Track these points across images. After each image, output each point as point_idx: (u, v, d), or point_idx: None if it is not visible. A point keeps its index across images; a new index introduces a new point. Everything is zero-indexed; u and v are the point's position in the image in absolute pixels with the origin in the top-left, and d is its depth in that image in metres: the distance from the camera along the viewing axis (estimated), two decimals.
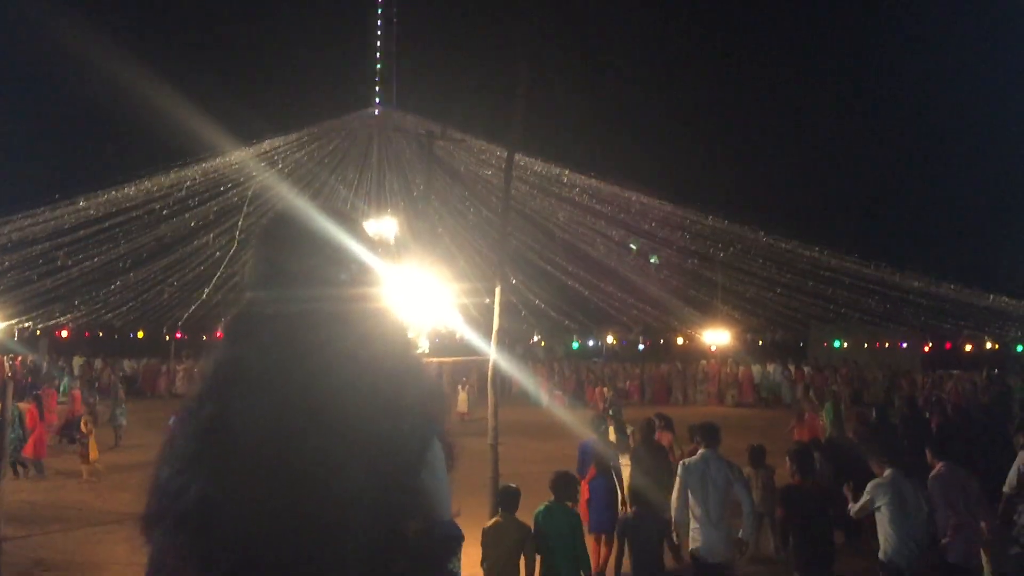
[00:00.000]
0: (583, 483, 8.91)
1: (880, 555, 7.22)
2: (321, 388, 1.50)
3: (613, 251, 36.15)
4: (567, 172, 32.80)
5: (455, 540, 1.68)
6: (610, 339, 52.78)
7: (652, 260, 36.95)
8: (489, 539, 6.77)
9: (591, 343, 57.87)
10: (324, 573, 1.45)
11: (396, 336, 1.69)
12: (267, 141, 36.44)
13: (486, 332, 12.57)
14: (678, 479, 7.42)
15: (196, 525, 1.44)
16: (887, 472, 7.43)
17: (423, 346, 16.77)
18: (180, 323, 40.42)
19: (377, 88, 34.81)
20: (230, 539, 1.43)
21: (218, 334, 1.71)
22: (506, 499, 7.06)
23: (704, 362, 34.85)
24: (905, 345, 44.24)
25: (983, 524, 7.55)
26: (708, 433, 7.66)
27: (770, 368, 33.60)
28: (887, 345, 45.58)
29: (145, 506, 1.52)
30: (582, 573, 7.02)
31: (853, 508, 7.58)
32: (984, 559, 7.86)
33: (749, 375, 32.72)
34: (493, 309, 11.97)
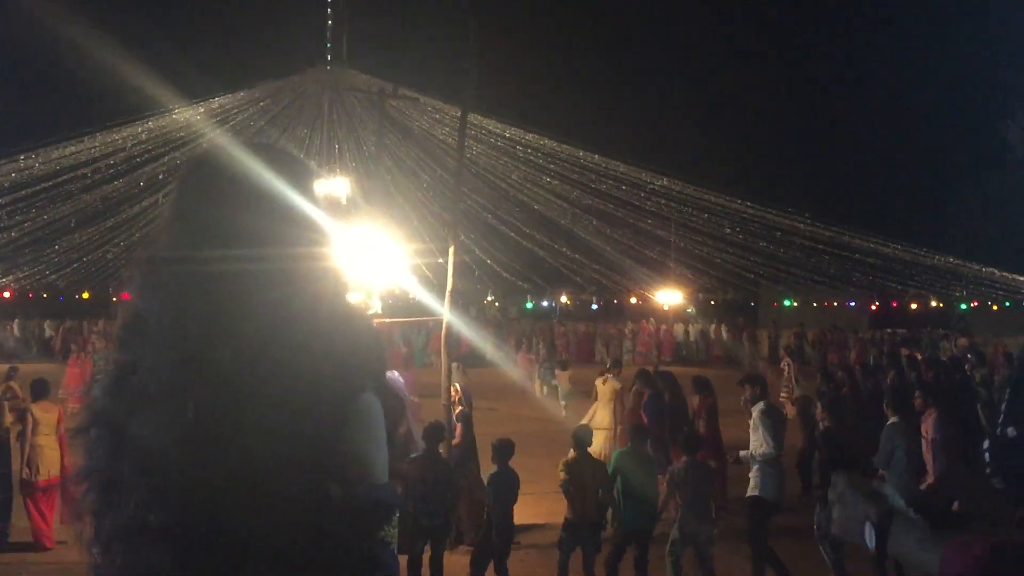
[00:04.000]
0: None
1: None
2: (234, 343, 1.42)
3: (567, 212, 36.13)
4: (521, 132, 32.59)
5: (387, 507, 1.59)
6: (564, 299, 53.03)
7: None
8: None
9: (544, 303, 58.11)
10: (246, 536, 1.38)
11: (324, 291, 1.58)
12: (216, 99, 35.66)
13: (440, 293, 12.51)
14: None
15: (112, 488, 1.39)
16: (894, 419, 8.03)
17: (375, 307, 16.60)
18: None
19: (328, 45, 34.18)
20: (146, 500, 1.36)
21: (125, 293, 1.61)
22: (502, 451, 7.40)
23: (631, 323, 35.82)
24: (853, 304, 45.12)
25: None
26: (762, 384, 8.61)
27: (691, 328, 34.89)
28: (835, 304, 46.41)
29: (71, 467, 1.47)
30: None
31: (879, 457, 7.95)
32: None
33: (671, 334, 33.91)
34: (447, 269, 11.93)
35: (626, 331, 34.50)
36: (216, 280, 1.47)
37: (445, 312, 11.67)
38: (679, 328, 34.56)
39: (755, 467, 7.87)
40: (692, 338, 34.32)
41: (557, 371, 19.53)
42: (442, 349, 12.00)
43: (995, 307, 42.73)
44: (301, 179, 1.63)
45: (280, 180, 1.57)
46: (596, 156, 33.29)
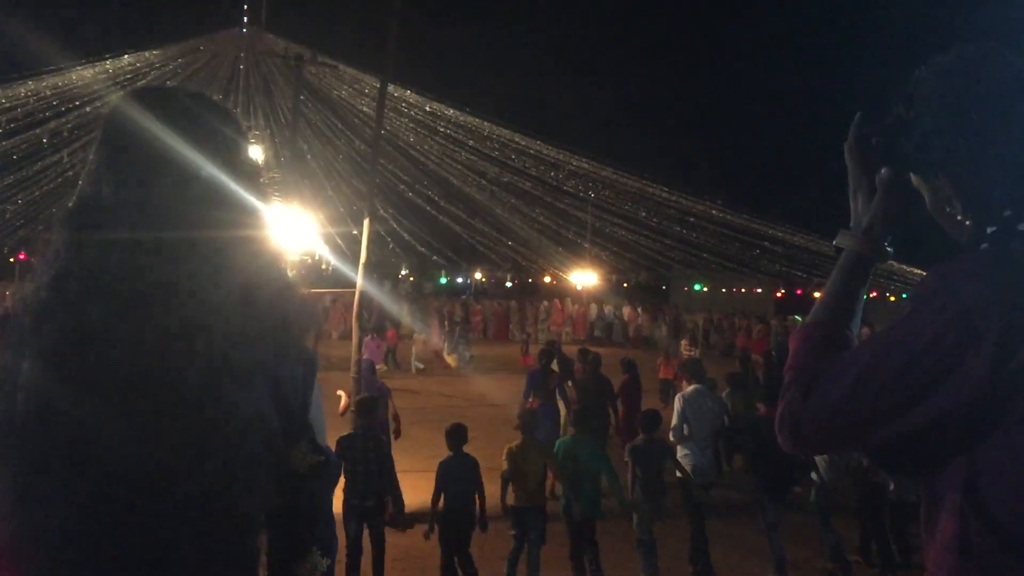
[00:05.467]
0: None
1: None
2: (176, 306, 1.40)
3: (485, 188, 36.11)
4: (441, 106, 32.36)
5: (339, 467, 1.61)
6: (479, 275, 53.14)
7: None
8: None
9: (459, 279, 58.12)
10: (209, 497, 1.38)
11: (271, 256, 1.60)
12: (125, 56, 34.34)
13: (354, 264, 12.41)
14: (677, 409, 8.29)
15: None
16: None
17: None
18: (25, 243, 38.03)
19: (245, 6, 33.19)
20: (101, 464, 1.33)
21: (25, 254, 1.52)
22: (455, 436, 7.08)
23: (545, 302, 36.21)
24: (759, 290, 46.40)
25: None
26: (698, 370, 8.82)
27: (606, 308, 35.51)
28: (743, 291, 47.64)
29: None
30: None
31: None
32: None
33: (584, 313, 34.56)
34: (361, 240, 11.83)
35: (540, 310, 34.80)
36: (182, 251, 1.45)
37: (359, 283, 11.60)
38: (592, 308, 35.15)
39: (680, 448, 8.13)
40: (606, 319, 34.84)
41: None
42: (353, 322, 11.93)
43: (892, 298, 44.52)
44: (232, 139, 1.58)
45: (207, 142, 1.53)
46: (516, 135, 33.30)
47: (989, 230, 1.38)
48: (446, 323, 24.86)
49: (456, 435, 7.02)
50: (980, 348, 1.24)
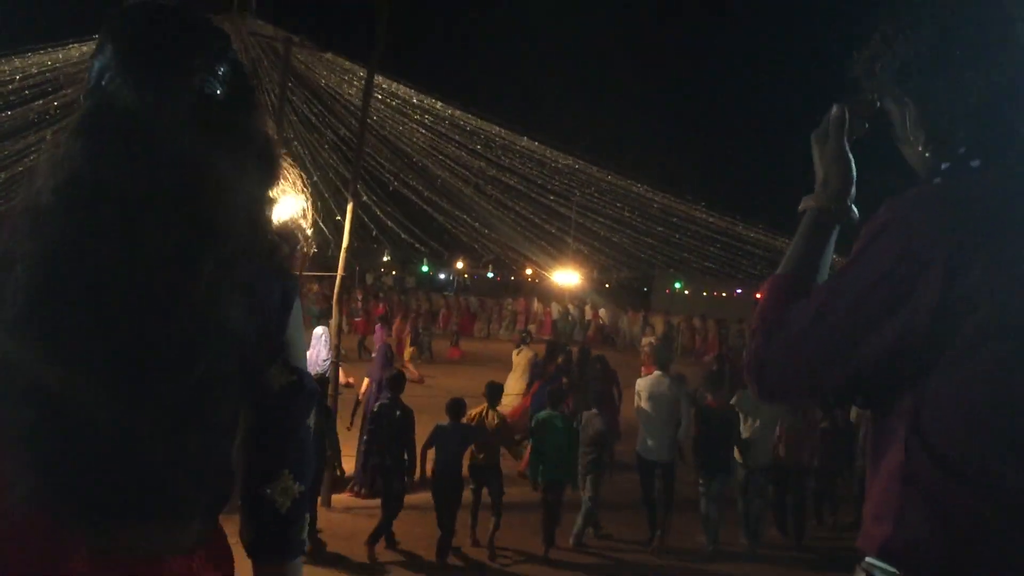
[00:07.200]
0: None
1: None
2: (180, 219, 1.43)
3: (471, 181, 36.01)
4: (427, 97, 32.20)
5: (315, 393, 1.63)
6: (460, 265, 53.09)
7: None
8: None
9: (441, 276, 57.97)
10: (186, 404, 1.41)
11: (274, 182, 1.64)
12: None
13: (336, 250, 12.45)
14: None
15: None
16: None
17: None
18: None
19: None
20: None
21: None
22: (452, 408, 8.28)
23: (510, 300, 37.57)
24: (740, 292, 46.59)
25: None
26: (662, 356, 9.55)
27: (570, 307, 36.35)
28: (724, 294, 47.80)
29: None
30: None
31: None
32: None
33: (549, 312, 35.29)
34: (343, 226, 11.83)
35: (506, 308, 35.91)
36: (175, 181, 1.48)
37: (340, 269, 11.59)
38: (555, 307, 36.02)
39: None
40: (569, 317, 35.52)
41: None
42: (334, 306, 11.92)
43: None
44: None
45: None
46: (500, 128, 33.21)
47: (943, 166, 1.43)
48: (411, 315, 25.05)
49: (455, 407, 8.23)
50: (929, 276, 1.29)
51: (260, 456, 1.59)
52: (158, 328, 1.38)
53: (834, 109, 1.64)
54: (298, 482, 1.60)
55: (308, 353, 11.57)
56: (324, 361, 11.93)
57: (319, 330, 12.77)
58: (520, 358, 14.20)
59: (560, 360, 13.32)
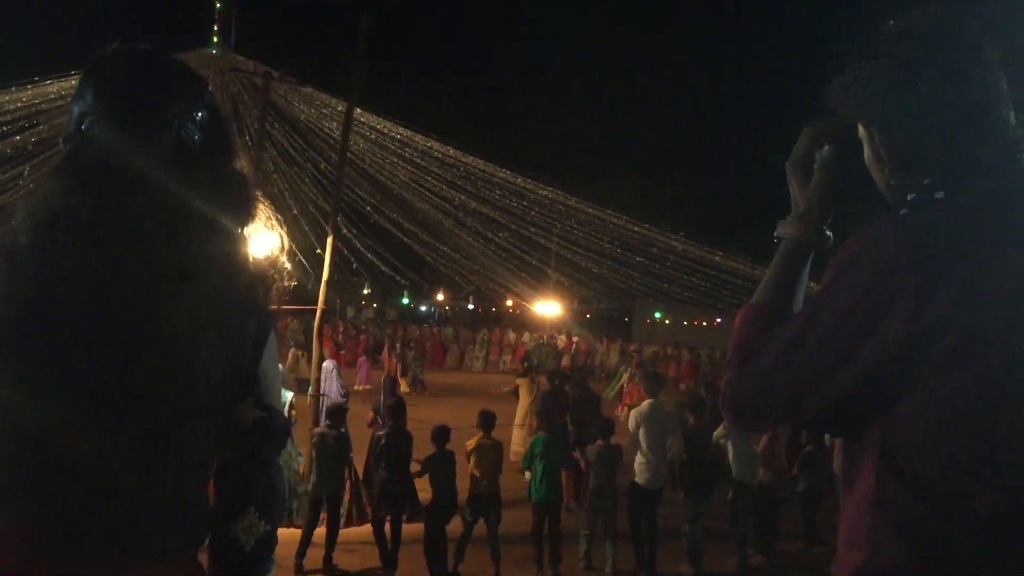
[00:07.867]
0: None
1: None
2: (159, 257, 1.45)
3: (451, 214, 36.11)
4: (407, 131, 32.37)
5: (286, 431, 1.63)
6: (440, 297, 53.06)
7: None
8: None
9: (423, 308, 57.92)
10: (156, 438, 1.41)
11: (251, 220, 1.66)
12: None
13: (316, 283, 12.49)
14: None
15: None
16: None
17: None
18: None
19: (216, 27, 32.99)
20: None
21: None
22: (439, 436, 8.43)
23: (484, 331, 37.89)
24: (720, 321, 46.79)
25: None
26: (653, 385, 9.59)
27: (541, 337, 36.99)
28: (704, 324, 48.00)
29: None
30: None
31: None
32: None
33: (523, 342, 35.56)
34: (323, 260, 11.90)
35: (479, 339, 36.21)
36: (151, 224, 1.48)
37: (320, 302, 11.61)
38: (527, 337, 36.52)
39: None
40: (541, 347, 35.62)
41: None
42: (314, 339, 11.91)
43: None
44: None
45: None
46: (481, 161, 33.40)
47: (909, 196, 1.46)
48: (397, 346, 25.00)
49: (440, 435, 8.40)
50: (898, 306, 1.31)
51: (226, 493, 1.57)
52: (129, 366, 1.38)
53: (804, 133, 1.67)
54: (264, 520, 1.57)
55: (323, 386, 11.87)
56: (342, 394, 12.67)
57: (328, 364, 13.07)
58: (525, 389, 14.33)
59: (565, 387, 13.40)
